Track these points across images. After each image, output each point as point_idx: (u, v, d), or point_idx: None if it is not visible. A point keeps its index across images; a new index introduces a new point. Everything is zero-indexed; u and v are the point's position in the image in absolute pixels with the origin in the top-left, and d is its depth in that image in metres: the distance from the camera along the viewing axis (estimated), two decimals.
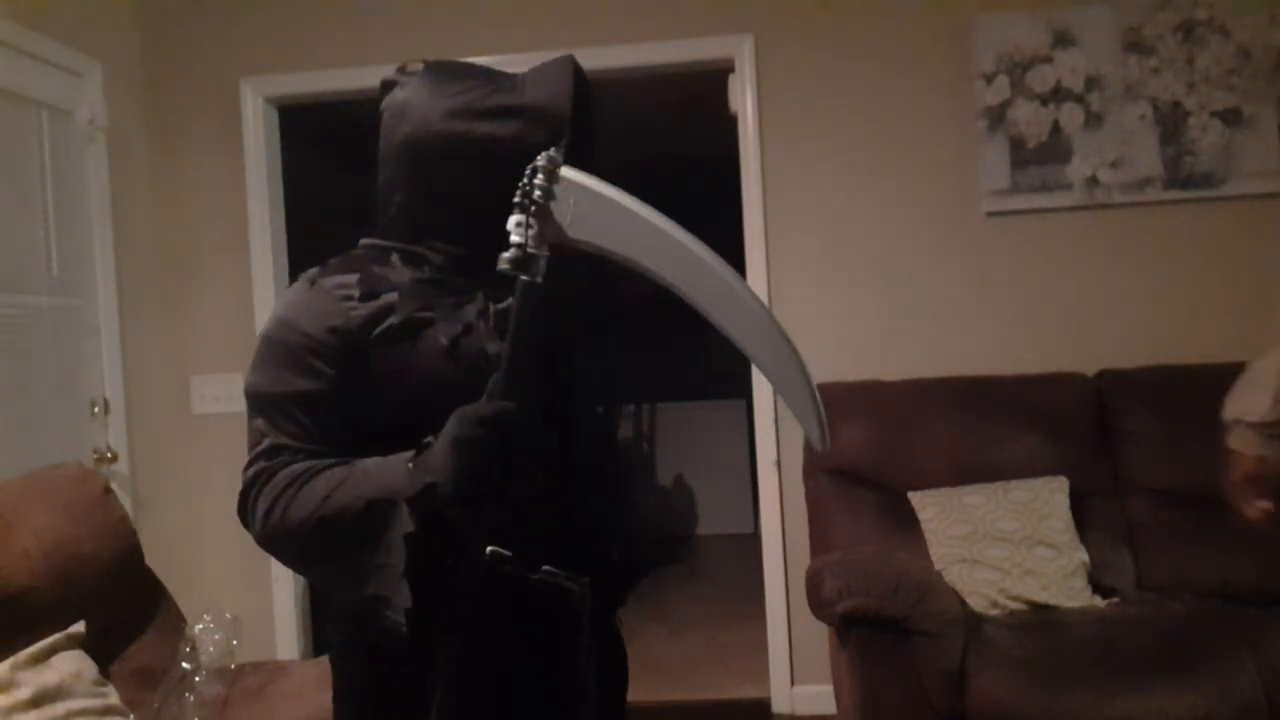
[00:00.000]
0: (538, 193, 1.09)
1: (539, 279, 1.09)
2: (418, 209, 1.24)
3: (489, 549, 1.13)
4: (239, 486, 1.19)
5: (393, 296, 1.20)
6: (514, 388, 1.09)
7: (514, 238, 1.08)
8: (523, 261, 1.08)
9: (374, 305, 1.19)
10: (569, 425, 1.30)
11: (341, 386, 1.17)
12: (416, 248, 1.24)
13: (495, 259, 1.11)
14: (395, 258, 1.24)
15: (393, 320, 1.18)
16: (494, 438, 1.07)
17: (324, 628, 1.33)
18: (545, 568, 1.17)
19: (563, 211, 1.09)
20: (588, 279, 1.32)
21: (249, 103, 3.31)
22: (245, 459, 1.20)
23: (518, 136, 1.18)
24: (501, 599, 1.14)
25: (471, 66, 1.27)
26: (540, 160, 1.09)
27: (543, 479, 1.20)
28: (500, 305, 1.20)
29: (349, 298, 1.19)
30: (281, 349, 1.18)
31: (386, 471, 1.12)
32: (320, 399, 1.17)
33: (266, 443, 1.17)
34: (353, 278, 1.21)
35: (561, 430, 1.27)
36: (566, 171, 1.10)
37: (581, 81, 1.22)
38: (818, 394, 1.10)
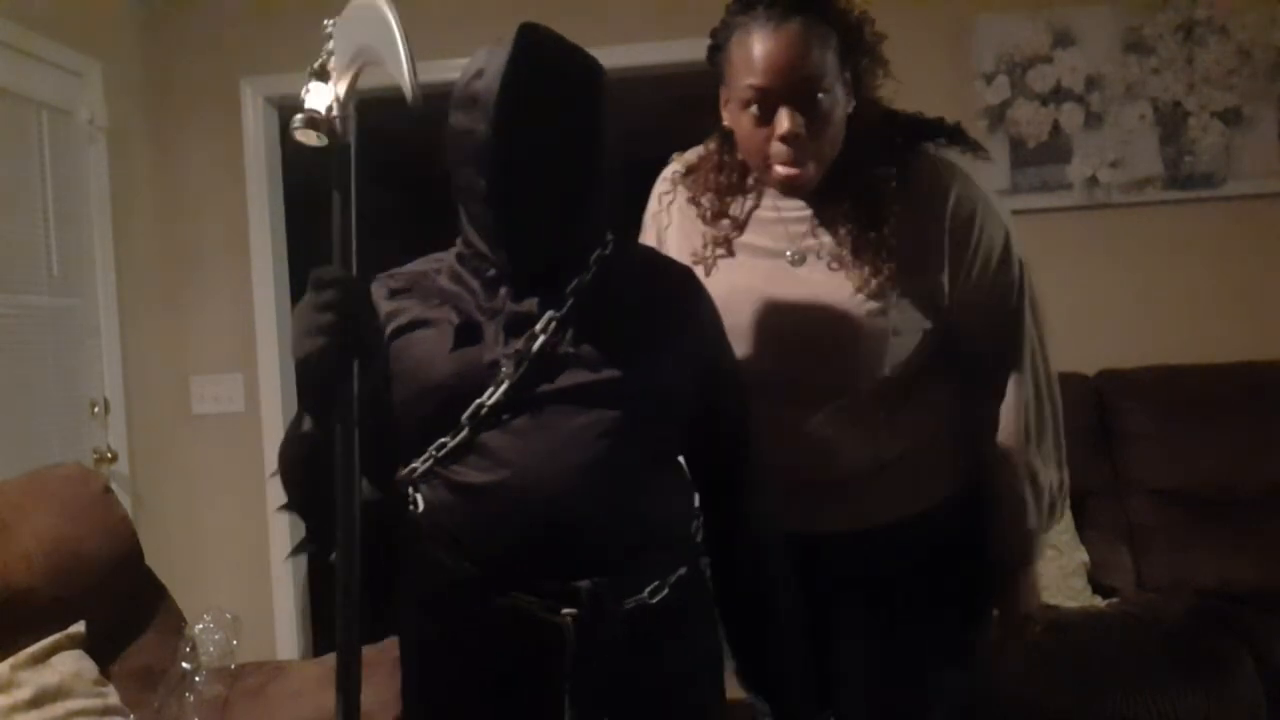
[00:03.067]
0: (324, 56, 1.05)
1: (347, 140, 1.03)
2: (458, 206, 1.19)
3: (464, 564, 1.11)
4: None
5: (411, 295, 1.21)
6: (345, 258, 1.04)
7: (308, 103, 1.03)
8: (315, 122, 1.02)
9: (396, 302, 1.20)
10: (629, 422, 1.13)
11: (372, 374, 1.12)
12: (465, 249, 1.20)
13: (517, 259, 1.12)
14: (452, 255, 1.22)
15: (400, 321, 1.18)
16: (322, 300, 1.01)
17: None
18: (515, 592, 1.10)
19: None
20: None
21: (249, 103, 3.31)
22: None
23: (474, 126, 1.09)
24: (472, 619, 1.13)
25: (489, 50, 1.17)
26: (329, 23, 1.06)
27: (587, 490, 1.10)
28: (518, 307, 1.13)
29: (390, 292, 1.21)
30: None
31: None
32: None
33: None
34: (405, 270, 1.24)
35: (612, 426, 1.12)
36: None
37: (531, 57, 1.10)
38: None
